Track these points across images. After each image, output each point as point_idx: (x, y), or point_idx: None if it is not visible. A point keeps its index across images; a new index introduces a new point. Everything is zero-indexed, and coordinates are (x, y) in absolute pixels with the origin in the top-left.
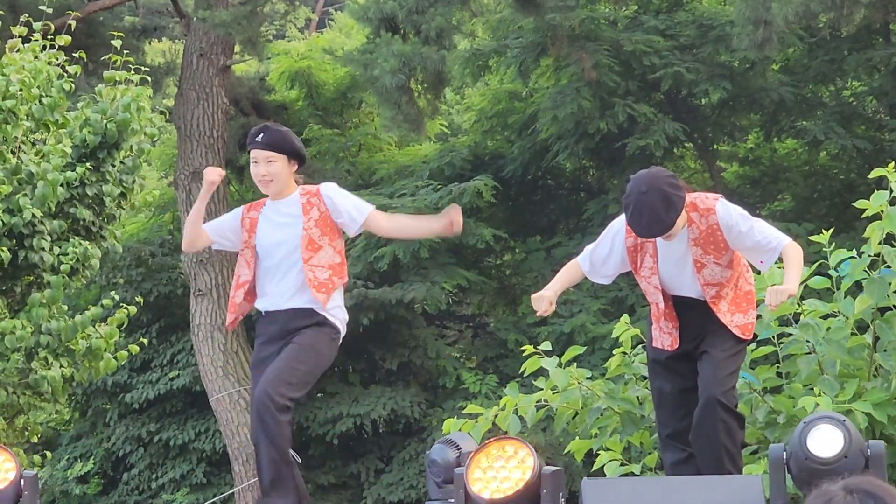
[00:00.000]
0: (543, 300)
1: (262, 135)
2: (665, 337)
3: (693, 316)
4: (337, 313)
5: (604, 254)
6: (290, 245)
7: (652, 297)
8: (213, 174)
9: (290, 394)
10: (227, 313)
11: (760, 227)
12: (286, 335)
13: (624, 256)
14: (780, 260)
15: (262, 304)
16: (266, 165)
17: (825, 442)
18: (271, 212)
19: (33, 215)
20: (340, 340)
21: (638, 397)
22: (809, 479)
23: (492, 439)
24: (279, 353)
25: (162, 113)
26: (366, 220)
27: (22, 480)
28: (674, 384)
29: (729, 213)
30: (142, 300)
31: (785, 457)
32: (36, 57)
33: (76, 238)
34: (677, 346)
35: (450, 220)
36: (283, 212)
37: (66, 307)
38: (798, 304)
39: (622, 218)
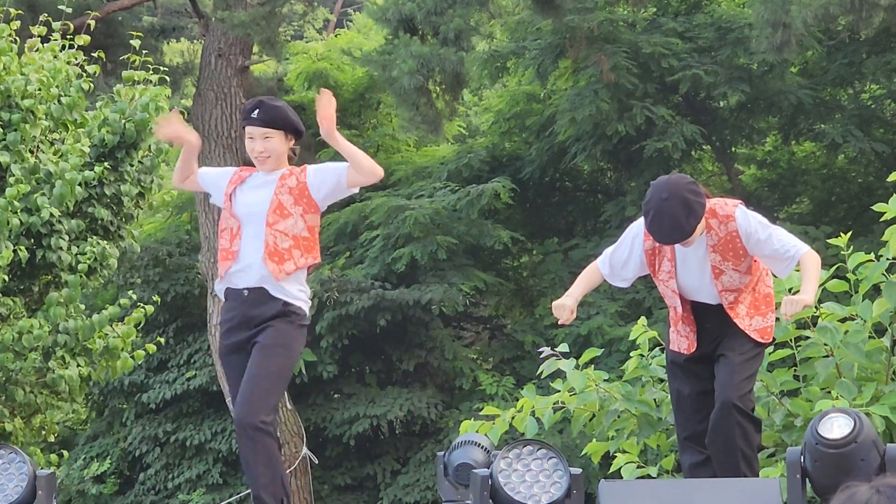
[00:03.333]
0: (565, 309)
1: (257, 111)
2: (682, 340)
3: (711, 320)
4: (299, 296)
5: (623, 257)
6: (258, 209)
7: (670, 300)
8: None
9: (271, 413)
10: (219, 262)
11: (779, 234)
12: (250, 325)
13: (642, 260)
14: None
15: (220, 284)
16: (263, 142)
17: (835, 426)
18: (255, 178)
19: (51, 214)
20: (308, 322)
21: (655, 400)
22: (823, 468)
23: (516, 442)
24: (248, 351)
25: (180, 113)
26: (348, 169)
27: (37, 480)
28: (692, 387)
29: (748, 220)
30: (159, 300)
31: (801, 456)
32: (55, 56)
33: (94, 237)
34: (694, 349)
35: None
36: (263, 178)
37: (83, 306)
38: (816, 307)
39: (641, 221)
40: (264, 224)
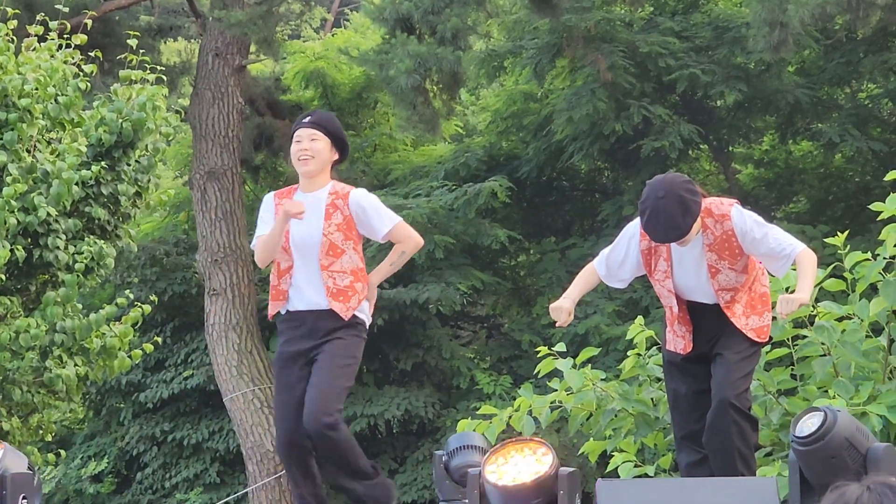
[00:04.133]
0: (562, 311)
1: (309, 117)
2: (678, 340)
3: (707, 320)
4: (363, 308)
5: (619, 258)
6: (310, 243)
7: (666, 300)
8: (297, 208)
9: (338, 409)
10: (270, 302)
11: (775, 233)
12: (315, 335)
13: (639, 260)
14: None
15: (286, 303)
16: (308, 142)
17: (805, 423)
18: (306, 198)
19: (48, 214)
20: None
21: (652, 399)
22: (804, 466)
23: (510, 440)
24: (313, 359)
25: (177, 112)
26: (391, 231)
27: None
28: (689, 386)
29: (744, 219)
30: (156, 299)
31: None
32: (52, 56)
33: (91, 237)
34: (690, 349)
35: None
36: (309, 205)
37: (80, 306)
38: (813, 306)
39: (637, 221)
40: (318, 267)
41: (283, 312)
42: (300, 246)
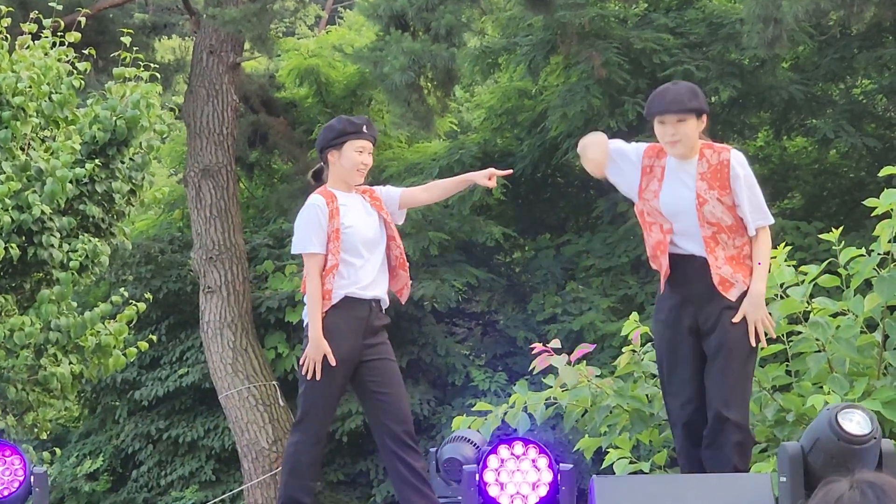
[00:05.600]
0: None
1: (369, 127)
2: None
3: (694, 280)
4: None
5: (626, 150)
6: (373, 233)
7: (653, 219)
8: (319, 354)
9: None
10: (322, 301)
11: (757, 195)
12: (367, 335)
13: (638, 168)
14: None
15: (343, 289)
16: (369, 156)
17: (858, 422)
18: (348, 200)
19: (42, 212)
20: None
21: (647, 395)
22: (839, 464)
23: (501, 439)
24: (378, 367)
25: (171, 110)
26: (400, 201)
27: (32, 477)
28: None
29: (741, 161)
30: (151, 297)
31: (805, 449)
32: (46, 54)
33: (85, 235)
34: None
35: (489, 175)
36: (360, 201)
37: (75, 304)
38: (808, 302)
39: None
40: (384, 249)
41: (341, 298)
42: (367, 235)
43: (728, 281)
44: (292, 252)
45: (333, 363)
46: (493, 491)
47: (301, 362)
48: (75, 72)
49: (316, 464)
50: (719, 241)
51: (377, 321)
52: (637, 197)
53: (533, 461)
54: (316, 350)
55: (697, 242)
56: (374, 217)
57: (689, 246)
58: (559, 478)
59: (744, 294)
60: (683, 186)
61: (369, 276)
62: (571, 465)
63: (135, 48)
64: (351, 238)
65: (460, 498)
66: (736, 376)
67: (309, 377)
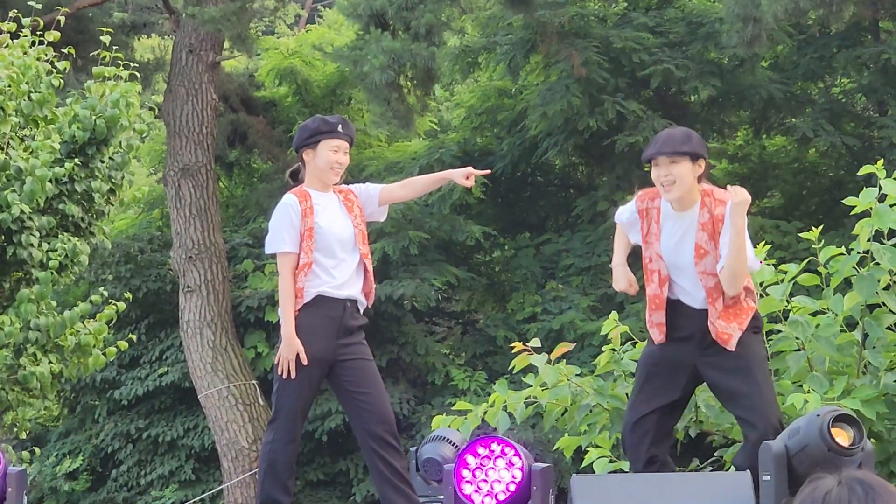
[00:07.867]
0: (623, 279)
1: (345, 126)
2: (654, 330)
3: (690, 324)
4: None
5: (626, 210)
6: (348, 233)
7: (654, 266)
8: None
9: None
10: (295, 300)
11: (746, 240)
12: (341, 335)
13: (636, 215)
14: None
15: (315, 288)
16: (344, 156)
17: (850, 435)
18: (323, 199)
19: (22, 211)
20: None
21: (627, 394)
22: (829, 468)
23: (478, 438)
24: (354, 367)
25: (151, 109)
26: (380, 198)
27: (7, 476)
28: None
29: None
30: (131, 296)
31: (790, 450)
32: (25, 53)
33: (65, 234)
34: (664, 339)
35: (466, 174)
36: (334, 200)
37: (54, 303)
38: (787, 301)
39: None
40: (359, 254)
41: (313, 297)
42: (341, 235)
43: (725, 333)
44: (266, 251)
45: (305, 361)
46: (466, 489)
47: (276, 361)
48: (55, 71)
49: (292, 462)
50: (719, 293)
51: (352, 321)
52: (642, 242)
53: (506, 460)
54: (288, 348)
55: (697, 295)
56: (350, 218)
57: (686, 297)
58: (531, 477)
59: (740, 341)
60: (681, 234)
61: (343, 276)
62: (545, 464)
63: (114, 47)
64: (325, 237)
65: (441, 497)
66: (766, 392)
67: (284, 376)
